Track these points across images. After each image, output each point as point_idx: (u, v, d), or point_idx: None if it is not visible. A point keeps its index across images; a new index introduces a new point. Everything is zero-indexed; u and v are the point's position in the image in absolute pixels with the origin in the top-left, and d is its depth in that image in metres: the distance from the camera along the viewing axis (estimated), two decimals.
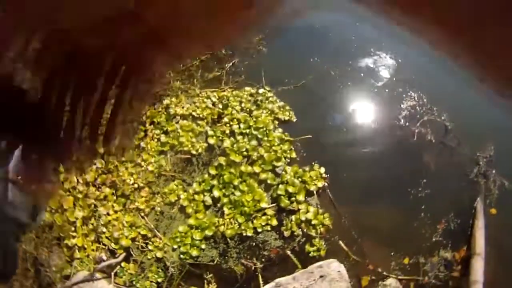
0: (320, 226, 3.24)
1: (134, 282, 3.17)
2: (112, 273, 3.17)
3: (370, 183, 3.57)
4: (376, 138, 3.84)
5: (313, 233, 3.21)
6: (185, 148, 3.59)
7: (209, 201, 3.32)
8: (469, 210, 3.44)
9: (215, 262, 3.13)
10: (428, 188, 3.52)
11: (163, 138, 3.67)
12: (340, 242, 3.22)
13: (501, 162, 3.70)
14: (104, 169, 3.57)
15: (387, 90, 4.25)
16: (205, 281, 3.08)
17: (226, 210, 3.26)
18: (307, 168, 3.50)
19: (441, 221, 3.36)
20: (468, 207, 3.46)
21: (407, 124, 3.92)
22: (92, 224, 3.34)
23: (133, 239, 3.29)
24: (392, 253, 3.21)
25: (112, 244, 3.27)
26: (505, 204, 3.51)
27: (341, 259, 3.08)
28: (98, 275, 3.14)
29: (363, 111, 4.05)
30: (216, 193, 3.32)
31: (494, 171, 3.64)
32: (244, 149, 3.52)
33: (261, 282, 3.06)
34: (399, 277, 3.08)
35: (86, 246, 3.27)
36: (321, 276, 2.93)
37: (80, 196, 3.39)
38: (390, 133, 3.89)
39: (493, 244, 3.25)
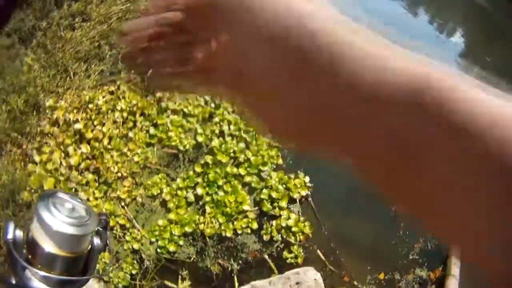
0: (300, 233, 3.20)
1: (107, 272, 3.07)
2: None
3: (353, 196, 3.57)
4: None
5: (292, 240, 3.18)
6: (173, 143, 3.50)
7: (191, 198, 3.23)
8: None
9: (191, 259, 3.05)
10: None
11: (152, 130, 3.58)
12: (319, 251, 3.18)
13: None
14: (89, 154, 3.45)
15: None
16: (180, 277, 3.01)
17: (208, 208, 3.17)
18: (292, 176, 3.46)
19: (419, 240, 3.39)
20: None
21: None
22: None
23: (111, 228, 3.19)
24: (369, 267, 3.18)
25: None
26: None
27: (317, 268, 3.04)
28: None
29: None
30: (199, 190, 3.24)
31: None
32: (231, 151, 3.46)
33: (236, 283, 2.99)
34: None
35: None
36: (297, 283, 2.90)
37: (62, 178, 3.25)
38: None
39: (469, 269, 3.30)
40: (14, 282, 0.64)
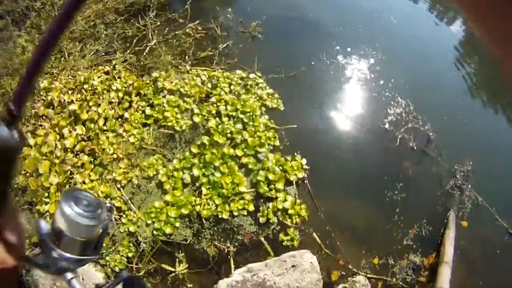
0: (296, 216, 3.14)
1: (104, 255, 3.03)
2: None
3: (349, 181, 3.50)
4: (360, 137, 3.78)
5: (288, 222, 3.11)
6: (169, 124, 3.42)
7: (188, 179, 3.17)
8: (442, 220, 3.41)
9: (188, 241, 3.00)
10: (404, 192, 3.47)
11: (148, 110, 3.50)
12: (314, 234, 3.13)
13: (477, 178, 3.72)
14: (84, 135, 3.39)
15: (376, 93, 4.20)
16: (177, 260, 2.97)
17: (204, 190, 3.11)
18: (289, 158, 3.38)
19: (414, 226, 3.31)
20: (440, 217, 3.43)
21: (392, 128, 3.88)
22: None
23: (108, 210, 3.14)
24: (363, 251, 3.13)
25: None
26: (476, 218, 3.51)
27: (313, 251, 2.99)
28: None
29: (351, 111, 3.99)
30: (196, 172, 3.17)
31: (469, 186, 3.65)
32: (228, 131, 3.37)
33: (232, 266, 2.95)
34: (368, 275, 3.01)
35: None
36: (293, 266, 2.85)
37: (57, 161, 3.19)
38: (374, 135, 3.84)
39: (462, 255, 3.23)
40: (43, 262, 0.85)
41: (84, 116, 3.43)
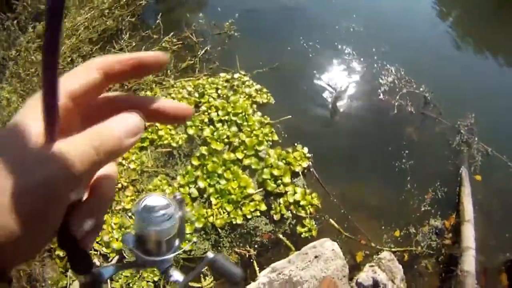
0: (309, 206, 3.08)
1: (130, 284, 3.02)
2: (108, 279, 3.02)
3: (354, 159, 3.43)
4: (357, 114, 3.71)
5: (302, 214, 3.05)
6: (165, 142, 3.37)
7: (195, 192, 3.12)
8: (455, 178, 3.32)
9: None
10: (412, 159, 3.38)
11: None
12: (331, 220, 3.06)
13: (482, 129, 3.62)
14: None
15: (364, 67, 4.11)
16: (201, 275, 2.95)
17: (213, 200, 3.06)
18: (290, 150, 3.31)
19: (428, 191, 3.23)
20: (453, 175, 3.34)
21: (387, 97, 3.80)
22: None
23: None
24: (383, 227, 3.06)
25: (104, 249, 3.08)
26: (489, 169, 3.42)
27: (333, 237, 2.93)
28: None
29: (342, 90, 3.92)
30: (201, 184, 3.12)
31: (476, 139, 3.56)
32: (224, 136, 3.31)
33: (256, 268, 2.91)
34: (393, 249, 2.95)
35: None
36: (316, 257, 2.81)
37: None
38: (371, 108, 3.77)
39: (481, 210, 3.16)
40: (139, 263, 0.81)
41: None
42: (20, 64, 3.90)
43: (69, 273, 3.07)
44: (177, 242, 1.04)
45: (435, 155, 3.50)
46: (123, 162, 3.40)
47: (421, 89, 3.86)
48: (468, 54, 4.63)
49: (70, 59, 3.99)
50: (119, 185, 3.31)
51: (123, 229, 3.16)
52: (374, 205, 3.20)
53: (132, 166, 3.36)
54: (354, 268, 2.90)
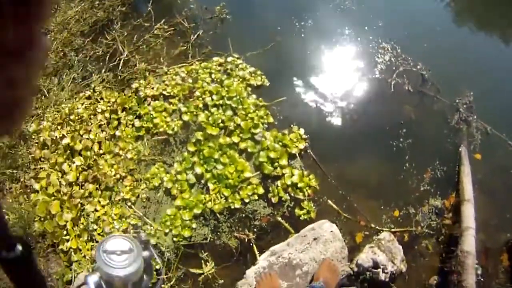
0: (307, 188, 3.01)
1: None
2: None
3: (352, 139, 3.33)
4: (353, 93, 3.61)
5: (300, 196, 2.99)
6: (161, 129, 3.32)
7: (192, 179, 3.07)
8: (454, 157, 3.22)
9: (208, 239, 2.96)
10: (410, 138, 3.28)
11: (137, 123, 3.41)
12: (329, 201, 3.00)
13: (481, 107, 3.51)
14: (84, 165, 3.35)
15: (358, 45, 4.01)
16: (202, 261, 2.94)
17: (210, 185, 3.01)
18: (286, 131, 3.24)
19: (427, 170, 3.14)
20: (452, 154, 3.24)
21: (383, 76, 3.70)
22: (83, 224, 3.13)
23: (124, 231, 3.12)
24: (382, 207, 2.99)
25: None
26: (489, 148, 3.31)
27: (332, 219, 2.87)
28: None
29: (337, 68, 3.82)
30: (198, 169, 3.07)
31: (475, 117, 3.45)
32: (220, 121, 3.24)
33: (256, 252, 2.88)
34: (392, 229, 2.88)
35: (81, 247, 3.05)
36: (314, 239, 2.76)
37: (65, 198, 3.16)
38: (367, 87, 3.67)
39: (481, 189, 3.06)
40: None
41: (78, 146, 3.38)
42: None
43: (73, 266, 3.09)
44: (145, 280, 1.07)
45: (433, 133, 3.40)
46: (120, 152, 3.38)
47: (418, 67, 3.75)
48: (466, 31, 4.48)
49: (62, 53, 3.95)
50: (117, 176, 3.30)
51: (123, 219, 3.15)
52: (372, 185, 3.13)
53: (129, 155, 3.34)
54: (354, 249, 2.85)
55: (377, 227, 2.92)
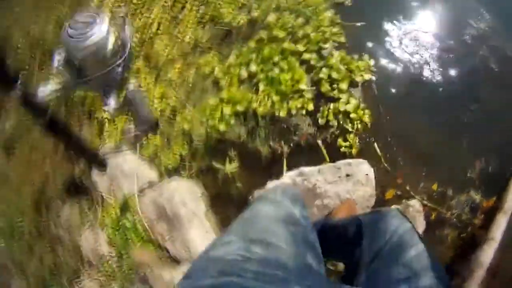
0: (358, 121, 2.74)
1: (158, 154, 2.97)
2: (138, 145, 2.98)
3: (420, 92, 2.93)
4: (436, 44, 3.21)
5: (349, 127, 2.73)
6: (226, 20, 3.13)
7: (244, 75, 2.86)
8: None
9: (241, 139, 2.81)
10: (478, 118, 2.84)
11: (202, 9, 3.26)
12: (376, 145, 2.73)
13: None
14: (139, 42, 3.26)
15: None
16: (228, 158, 2.82)
17: (261, 86, 2.80)
18: (355, 57, 2.93)
19: (481, 159, 2.74)
20: None
21: (472, 42, 3.25)
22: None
23: (162, 111, 3.04)
24: (424, 174, 2.68)
25: None
26: None
27: (371, 164, 2.60)
28: (124, 147, 2.97)
29: (428, 15, 3.41)
30: (253, 67, 2.85)
31: None
32: (289, 25, 2.96)
33: (285, 167, 2.72)
34: (424, 201, 2.59)
35: (115, 119, 3.08)
36: (347, 175, 2.52)
37: None
38: (452, 45, 3.25)
39: None
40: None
41: (138, 23, 3.29)
42: None
43: (104, 135, 3.06)
44: (119, 59, 0.95)
45: (503, 125, 2.91)
46: (178, 35, 3.24)
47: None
48: None
49: None
50: (169, 57, 3.18)
51: (164, 99, 3.06)
52: (424, 148, 2.78)
53: (186, 39, 3.19)
54: (380, 203, 2.59)
55: (411, 192, 2.63)
